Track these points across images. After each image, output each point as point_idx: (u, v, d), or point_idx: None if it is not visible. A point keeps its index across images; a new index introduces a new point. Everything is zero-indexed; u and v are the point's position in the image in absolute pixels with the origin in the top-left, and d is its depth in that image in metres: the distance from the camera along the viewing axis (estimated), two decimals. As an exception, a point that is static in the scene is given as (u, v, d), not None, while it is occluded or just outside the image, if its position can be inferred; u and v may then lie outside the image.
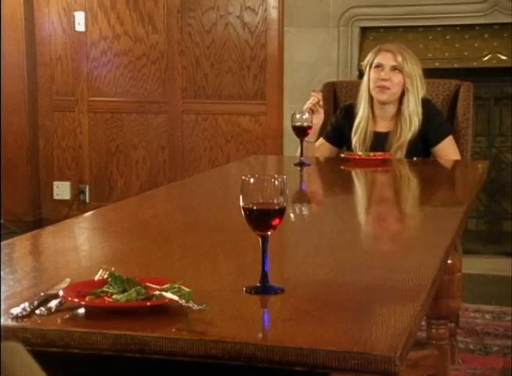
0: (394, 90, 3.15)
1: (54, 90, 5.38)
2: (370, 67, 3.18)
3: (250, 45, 4.98)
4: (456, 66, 4.53)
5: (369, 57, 3.22)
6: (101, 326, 1.18)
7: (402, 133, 3.15)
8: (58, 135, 5.41)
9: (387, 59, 3.13)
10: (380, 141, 3.21)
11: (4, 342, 0.79)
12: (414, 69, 3.13)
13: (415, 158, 3.14)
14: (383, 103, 3.20)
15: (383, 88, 3.14)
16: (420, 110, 3.15)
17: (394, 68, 3.12)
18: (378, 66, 3.15)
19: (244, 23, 4.98)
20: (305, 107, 3.12)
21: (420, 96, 3.16)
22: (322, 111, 3.14)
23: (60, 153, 5.42)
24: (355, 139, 3.21)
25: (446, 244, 1.72)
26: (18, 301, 1.28)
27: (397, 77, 3.13)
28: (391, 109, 3.20)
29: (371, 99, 3.21)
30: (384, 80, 3.13)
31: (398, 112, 3.19)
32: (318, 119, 3.12)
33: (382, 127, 3.24)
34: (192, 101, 5.14)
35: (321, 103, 3.14)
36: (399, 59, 3.11)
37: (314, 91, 3.22)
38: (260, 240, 1.36)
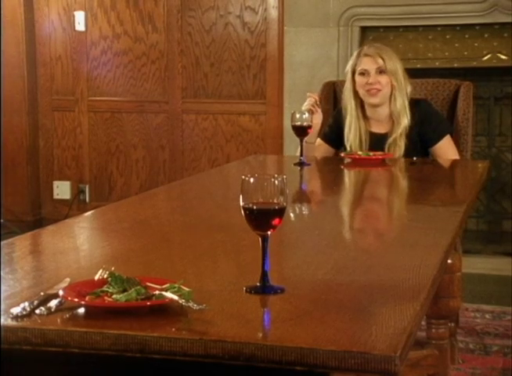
0: (384, 91, 3.18)
1: (54, 90, 5.38)
2: (353, 73, 3.21)
3: (250, 44, 4.98)
4: (456, 65, 4.53)
5: (351, 62, 3.25)
6: (101, 326, 1.18)
7: (394, 129, 3.17)
8: (58, 134, 5.41)
9: (369, 64, 3.17)
10: (378, 142, 3.22)
11: None
12: (396, 65, 3.17)
13: (414, 158, 3.15)
14: (375, 106, 3.22)
15: (374, 91, 3.17)
16: (407, 103, 3.17)
17: (378, 71, 3.15)
18: (363, 72, 3.17)
19: (244, 22, 4.98)
20: (303, 109, 3.12)
21: (407, 91, 3.19)
22: (320, 111, 3.15)
23: (60, 153, 5.42)
24: (351, 143, 3.22)
25: (446, 244, 1.72)
26: (18, 300, 1.28)
27: (383, 78, 3.16)
28: (384, 110, 3.22)
29: (360, 103, 3.22)
30: (372, 84, 3.15)
31: (391, 112, 3.21)
32: (317, 119, 3.14)
33: (379, 128, 3.25)
34: (192, 101, 5.14)
35: (318, 103, 3.15)
36: (380, 61, 3.15)
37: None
38: (260, 239, 1.36)
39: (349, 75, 3.23)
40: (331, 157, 3.32)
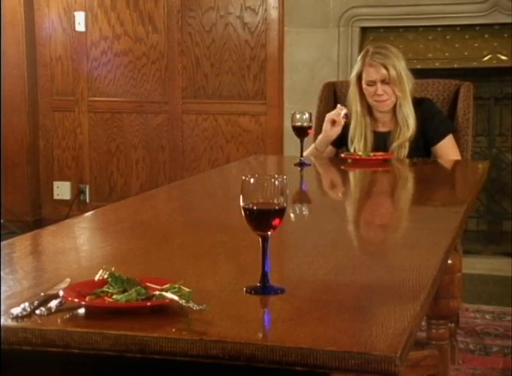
0: (392, 99, 3.21)
1: (54, 90, 5.39)
2: (359, 78, 3.22)
3: (250, 45, 4.98)
4: (456, 66, 4.53)
5: (356, 67, 3.26)
6: (101, 326, 1.18)
7: (401, 132, 3.19)
8: (58, 135, 5.41)
9: (374, 74, 3.19)
10: (381, 140, 3.24)
11: None
12: (399, 72, 3.17)
13: (415, 158, 3.15)
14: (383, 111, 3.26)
15: (383, 103, 3.20)
16: (412, 109, 3.18)
17: (383, 82, 3.16)
18: (370, 84, 3.19)
19: (244, 23, 4.98)
20: (328, 116, 3.18)
21: (410, 92, 3.19)
22: (342, 124, 3.17)
23: (60, 153, 5.42)
24: (355, 145, 3.23)
25: (446, 244, 1.72)
26: (18, 301, 1.28)
27: (389, 88, 3.19)
28: (389, 112, 3.25)
29: (367, 105, 3.23)
30: (380, 95, 3.18)
31: (395, 112, 3.22)
32: (336, 131, 3.18)
33: (382, 127, 3.27)
34: (192, 101, 5.14)
35: (342, 118, 3.17)
36: (383, 71, 3.16)
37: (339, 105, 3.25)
38: (260, 240, 1.36)
39: (354, 80, 3.24)
40: (332, 157, 3.32)
